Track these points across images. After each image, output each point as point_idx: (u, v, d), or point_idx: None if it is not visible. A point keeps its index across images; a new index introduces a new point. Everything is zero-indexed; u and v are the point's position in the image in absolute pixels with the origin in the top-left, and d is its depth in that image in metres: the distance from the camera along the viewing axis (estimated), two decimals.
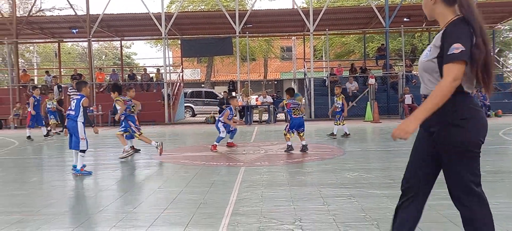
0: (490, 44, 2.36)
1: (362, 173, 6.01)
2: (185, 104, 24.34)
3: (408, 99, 17.65)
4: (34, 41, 27.72)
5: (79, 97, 6.69)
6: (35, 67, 35.71)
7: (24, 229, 3.73)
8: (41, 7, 32.15)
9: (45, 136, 12.95)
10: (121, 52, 26.88)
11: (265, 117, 18.75)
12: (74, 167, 6.44)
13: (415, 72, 21.34)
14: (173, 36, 22.57)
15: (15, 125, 18.05)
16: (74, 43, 37.91)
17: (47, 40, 26.72)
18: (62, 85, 18.38)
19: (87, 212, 4.31)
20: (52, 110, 13.89)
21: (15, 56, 20.98)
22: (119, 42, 25.47)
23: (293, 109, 8.44)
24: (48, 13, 31.75)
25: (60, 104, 15.12)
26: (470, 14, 2.26)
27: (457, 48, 2.16)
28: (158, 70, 22.15)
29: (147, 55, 58.93)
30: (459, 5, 2.31)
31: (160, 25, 18.75)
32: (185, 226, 3.73)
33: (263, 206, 4.36)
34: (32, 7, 23.27)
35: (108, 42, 41.59)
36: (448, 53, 2.19)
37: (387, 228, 3.55)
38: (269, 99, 18.04)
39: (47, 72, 22.90)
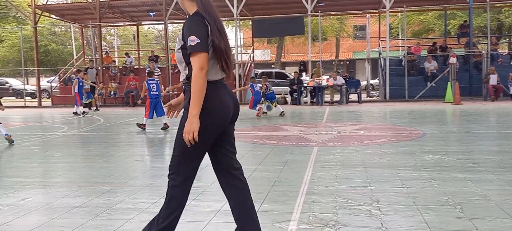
0: (226, 34, 2.54)
1: (443, 156, 5.72)
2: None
3: (493, 79, 16.42)
4: (115, 24, 29.32)
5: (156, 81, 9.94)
6: (115, 50, 37.85)
7: (114, 199, 4.02)
8: None
9: (75, 113, 14.18)
10: None
11: (336, 97, 18.43)
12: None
13: (501, 51, 19.77)
14: (244, 17, 22.77)
15: (100, 104, 19.37)
16: (151, 26, 39.56)
17: (126, 24, 28.13)
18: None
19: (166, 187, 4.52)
20: (87, 91, 14.81)
21: (98, 39, 22.35)
22: None
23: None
24: None
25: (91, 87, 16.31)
26: (206, 7, 2.48)
27: (192, 40, 2.36)
28: None
29: None
30: (196, 0, 2.51)
31: (232, 6, 18.97)
32: (261, 202, 3.80)
33: (339, 186, 4.32)
34: None
35: (182, 24, 42.99)
36: (188, 45, 2.38)
37: (472, 212, 3.36)
38: (340, 80, 17.66)
39: (127, 54, 24.18)
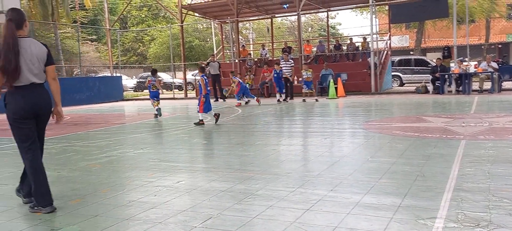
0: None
1: None
2: (393, 73, 23.43)
3: None
4: (251, 18, 30.61)
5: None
6: (251, 43, 39.56)
7: (255, 185, 4.24)
8: None
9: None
10: (328, 23, 27.46)
11: (486, 85, 16.61)
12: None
13: None
14: (380, 2, 21.82)
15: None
16: (284, 18, 40.38)
17: (261, 17, 29.17)
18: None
19: (305, 175, 4.60)
20: (153, 90, 14.49)
21: (236, 33, 23.62)
22: (324, 13, 26.00)
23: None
24: None
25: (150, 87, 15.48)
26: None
27: None
28: (364, 39, 21.86)
29: (353, 24, 58.78)
30: None
31: None
32: (403, 197, 3.63)
33: (491, 184, 3.91)
34: None
35: (314, 14, 43.02)
36: None
37: None
38: (494, 65, 15.83)
39: (262, 46, 25.13)
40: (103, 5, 26.67)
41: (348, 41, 23.22)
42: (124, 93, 23.37)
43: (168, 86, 29.54)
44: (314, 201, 3.64)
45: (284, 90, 16.17)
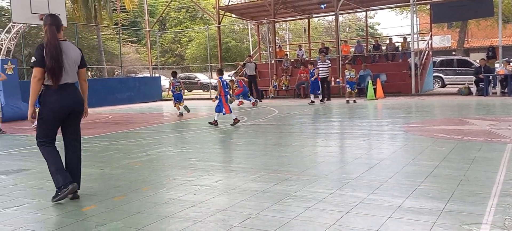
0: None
1: None
2: (434, 74, 22.77)
3: None
4: (288, 19, 30.55)
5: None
6: (287, 43, 39.49)
7: (292, 186, 4.23)
8: None
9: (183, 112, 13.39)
10: (366, 23, 27.02)
11: None
12: None
13: None
14: (421, 1, 21.27)
15: (273, 95, 20.55)
16: (321, 18, 40.06)
17: (298, 18, 29.04)
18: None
19: (343, 177, 4.55)
20: (177, 92, 14.22)
21: (272, 34, 23.63)
22: (363, 13, 25.60)
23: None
24: None
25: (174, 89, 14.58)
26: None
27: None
28: (404, 39, 21.35)
29: (391, 24, 57.57)
30: None
31: None
32: (446, 201, 3.53)
33: None
34: None
35: (352, 14, 42.43)
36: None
37: None
38: None
39: (299, 46, 25.02)
40: (143, 7, 27.34)
41: (388, 41, 22.76)
42: (163, 93, 23.85)
43: (205, 87, 29.91)
44: (353, 203, 3.60)
45: (319, 91, 16.00)
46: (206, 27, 27.73)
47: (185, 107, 12.98)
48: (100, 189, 4.47)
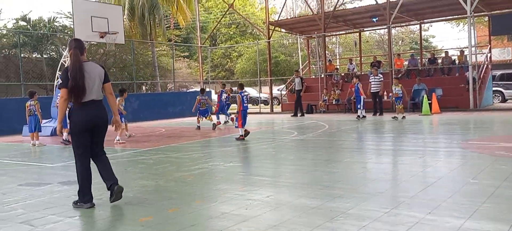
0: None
1: None
2: (494, 89, 21.68)
3: None
4: (339, 33, 30.28)
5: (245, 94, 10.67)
6: (337, 57, 39.07)
7: (345, 204, 4.15)
8: (344, 1, 34.88)
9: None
10: (420, 35, 26.23)
11: None
12: None
13: None
14: (479, 13, 20.40)
15: (323, 109, 20.35)
16: (372, 31, 39.38)
17: (349, 31, 28.68)
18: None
19: (398, 196, 4.41)
20: (202, 108, 14.17)
21: (322, 48, 23.49)
22: (416, 26, 24.88)
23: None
24: (349, 6, 34.20)
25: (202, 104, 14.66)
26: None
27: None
28: (461, 52, 20.51)
29: (447, 37, 55.54)
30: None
31: (465, 3, 17.24)
32: (510, 224, 3.32)
33: None
34: (337, 2, 25.52)
35: (405, 27, 41.36)
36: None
37: None
38: None
39: (350, 60, 24.68)
40: (195, 24, 28.11)
41: (443, 55, 21.96)
42: (213, 107, 24.29)
43: (254, 101, 30.13)
44: (410, 223, 3.47)
45: (359, 106, 15.65)
46: (256, 42, 28.04)
47: (213, 125, 13.84)
48: (155, 201, 4.60)
